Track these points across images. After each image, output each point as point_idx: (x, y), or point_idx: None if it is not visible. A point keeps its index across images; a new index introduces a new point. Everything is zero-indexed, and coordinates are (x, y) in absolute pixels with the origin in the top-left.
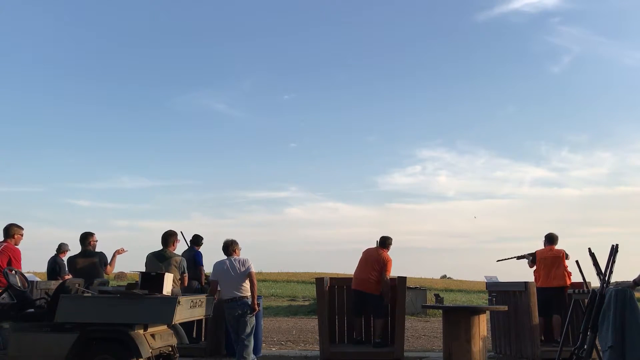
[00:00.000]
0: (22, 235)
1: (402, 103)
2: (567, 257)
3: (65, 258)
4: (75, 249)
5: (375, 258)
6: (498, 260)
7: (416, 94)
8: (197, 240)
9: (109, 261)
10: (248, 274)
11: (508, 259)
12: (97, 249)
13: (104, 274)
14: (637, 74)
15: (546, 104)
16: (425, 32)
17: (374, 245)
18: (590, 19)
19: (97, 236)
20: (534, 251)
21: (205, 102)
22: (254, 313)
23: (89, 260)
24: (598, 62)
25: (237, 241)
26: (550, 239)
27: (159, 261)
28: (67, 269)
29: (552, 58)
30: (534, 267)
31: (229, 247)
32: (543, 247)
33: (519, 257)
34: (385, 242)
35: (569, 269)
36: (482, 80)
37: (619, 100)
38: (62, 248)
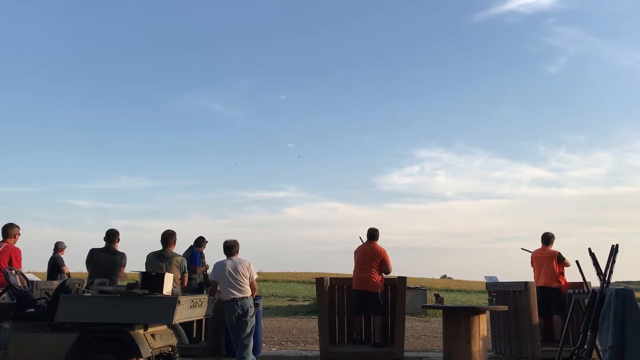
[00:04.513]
0: (19, 233)
1: (400, 103)
2: (561, 259)
3: (62, 255)
4: (75, 247)
5: (371, 253)
6: (522, 249)
7: (414, 95)
8: (199, 241)
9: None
10: (251, 282)
11: (529, 251)
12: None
13: (120, 274)
14: (634, 74)
15: (543, 104)
16: (422, 32)
17: (360, 243)
18: (586, 19)
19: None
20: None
21: (203, 103)
22: (257, 310)
23: (112, 258)
24: (595, 63)
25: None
26: (545, 239)
27: (159, 261)
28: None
29: (549, 58)
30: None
31: (233, 247)
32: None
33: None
34: (375, 235)
35: (564, 270)
36: (480, 81)
37: (617, 101)
38: (59, 246)
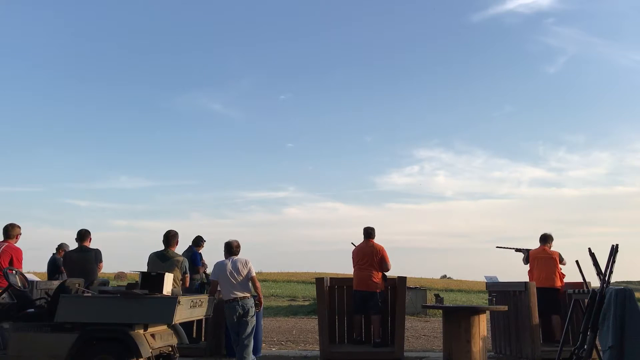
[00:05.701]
0: (20, 233)
1: (398, 103)
2: (561, 260)
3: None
4: (74, 247)
5: (370, 252)
6: (497, 247)
7: (413, 95)
8: (197, 241)
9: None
10: (250, 278)
11: (508, 248)
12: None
13: (97, 271)
14: (633, 75)
15: (543, 104)
16: (421, 33)
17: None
18: (584, 19)
19: (92, 235)
20: (528, 249)
21: (203, 103)
22: (258, 310)
23: (84, 256)
24: (594, 63)
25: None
26: (544, 239)
27: (161, 261)
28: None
29: (548, 58)
30: (527, 266)
31: (235, 248)
32: (537, 247)
33: (517, 249)
34: (371, 233)
35: (562, 271)
36: (479, 81)
37: (616, 101)
38: (61, 247)
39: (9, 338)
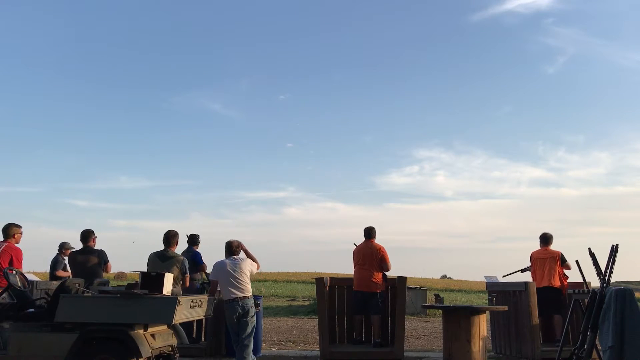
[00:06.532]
0: (21, 234)
1: (398, 103)
2: (564, 260)
3: (66, 257)
4: (74, 247)
5: (370, 252)
6: (504, 276)
7: (413, 95)
8: (194, 239)
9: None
10: (253, 271)
11: (513, 272)
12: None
13: (104, 272)
14: (632, 75)
15: (542, 104)
16: (420, 33)
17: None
18: (584, 19)
19: (95, 234)
20: (529, 265)
21: (202, 103)
22: (256, 312)
23: (88, 258)
24: (593, 63)
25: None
26: (545, 240)
27: (161, 261)
28: (67, 266)
29: (547, 59)
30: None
31: (235, 248)
32: (538, 248)
33: (522, 270)
34: (371, 233)
35: (565, 271)
36: (478, 81)
37: (616, 101)
38: (64, 247)
39: (9, 338)
